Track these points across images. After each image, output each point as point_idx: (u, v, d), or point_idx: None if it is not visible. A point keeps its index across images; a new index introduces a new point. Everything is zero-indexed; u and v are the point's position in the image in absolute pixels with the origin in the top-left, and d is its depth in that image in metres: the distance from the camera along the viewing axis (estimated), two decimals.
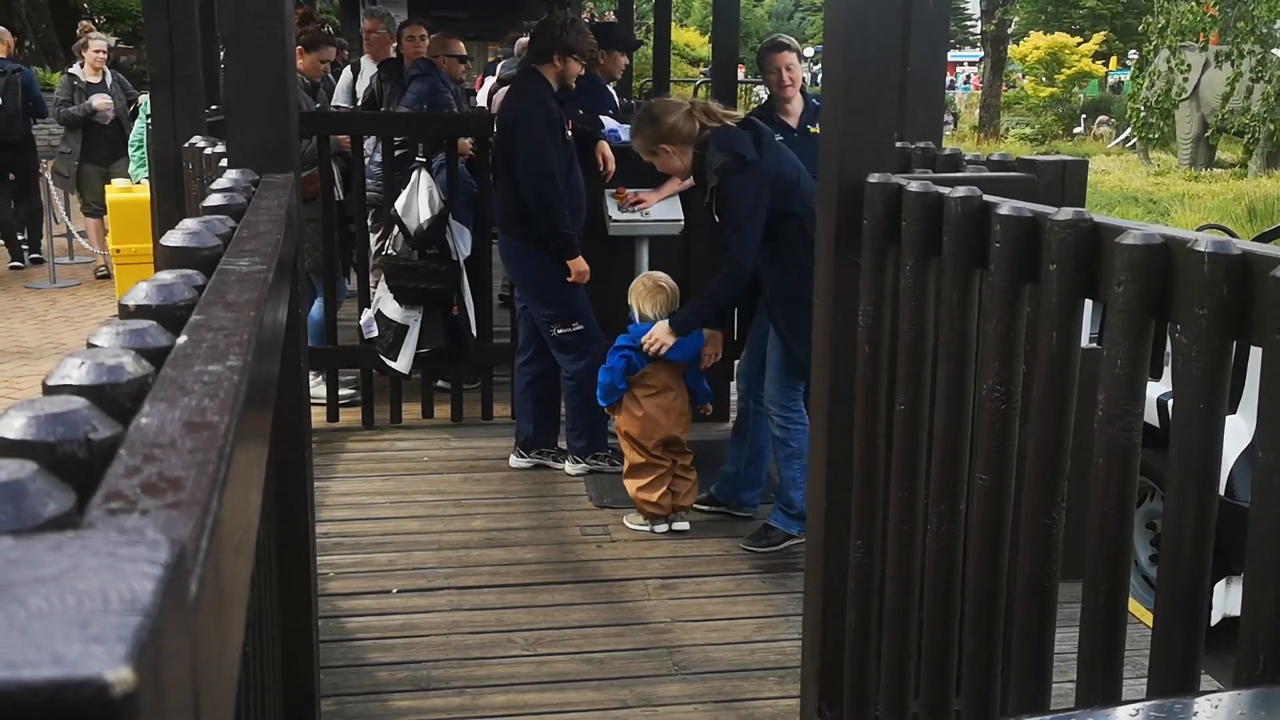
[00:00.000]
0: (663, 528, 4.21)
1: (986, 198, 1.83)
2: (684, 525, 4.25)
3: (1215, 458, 1.35)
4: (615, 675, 3.29)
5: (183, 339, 0.78)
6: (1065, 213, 1.60)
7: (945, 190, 1.92)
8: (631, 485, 4.21)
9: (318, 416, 5.32)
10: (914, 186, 1.99)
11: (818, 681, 2.39)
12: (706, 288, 3.98)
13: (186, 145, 2.92)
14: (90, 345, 0.76)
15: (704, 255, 5.32)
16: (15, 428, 0.53)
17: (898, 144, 3.04)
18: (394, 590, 3.78)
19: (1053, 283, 1.61)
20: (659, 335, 4.05)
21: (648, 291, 4.28)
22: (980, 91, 26.49)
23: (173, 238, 1.13)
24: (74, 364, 0.66)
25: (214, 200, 1.53)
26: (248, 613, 1.49)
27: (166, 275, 0.96)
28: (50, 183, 9.21)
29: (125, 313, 0.89)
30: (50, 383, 0.65)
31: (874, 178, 2.11)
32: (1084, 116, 27.35)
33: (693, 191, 5.01)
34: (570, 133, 4.74)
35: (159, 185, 3.05)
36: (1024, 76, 30.95)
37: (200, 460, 0.54)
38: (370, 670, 3.29)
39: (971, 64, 40.44)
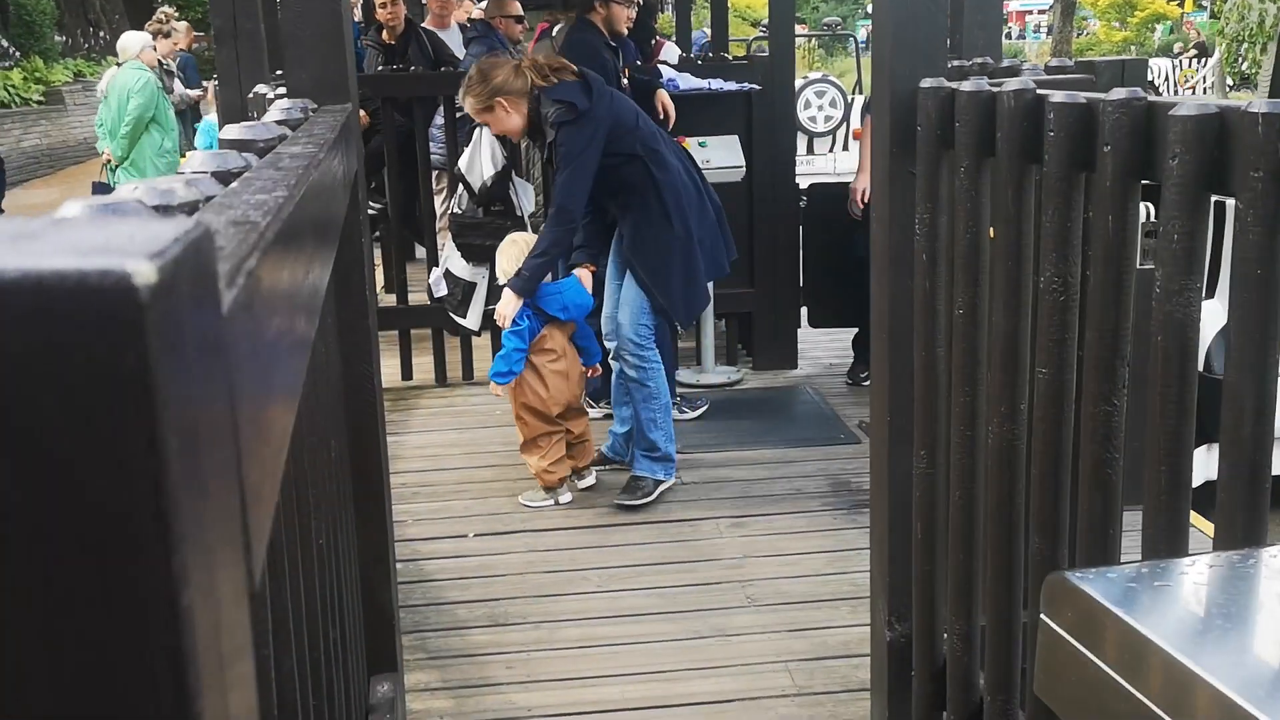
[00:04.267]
0: (566, 497, 4.07)
1: (1040, 90, 1.81)
2: (591, 480, 4.19)
3: (1276, 323, 1.33)
4: (688, 608, 3.33)
5: (234, 184, 0.82)
6: (1118, 93, 1.58)
7: (998, 88, 1.90)
8: (533, 460, 4.01)
9: (391, 375, 5.43)
10: (967, 87, 1.97)
11: (886, 596, 2.40)
12: (537, 240, 3.93)
13: (251, 95, 2.99)
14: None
15: (768, 201, 5.31)
16: (68, 210, 0.56)
17: (954, 62, 3.00)
18: (470, 534, 3.86)
19: (1107, 165, 1.60)
20: (504, 305, 3.88)
21: (503, 251, 4.06)
22: (1050, 40, 25.85)
23: (231, 131, 1.18)
24: (128, 189, 0.70)
25: (272, 117, 1.57)
26: (326, 516, 1.55)
27: (222, 151, 1.00)
28: None
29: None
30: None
31: (926, 83, 2.10)
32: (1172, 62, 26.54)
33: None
34: (627, 82, 4.74)
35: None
36: (1095, 21, 30.12)
37: (240, 237, 0.57)
38: (449, 607, 3.37)
39: (1041, 11, 39.45)
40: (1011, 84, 1.83)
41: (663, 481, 4.08)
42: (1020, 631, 2.01)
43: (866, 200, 4.87)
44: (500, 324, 3.90)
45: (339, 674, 1.57)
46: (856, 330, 5.24)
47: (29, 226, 0.35)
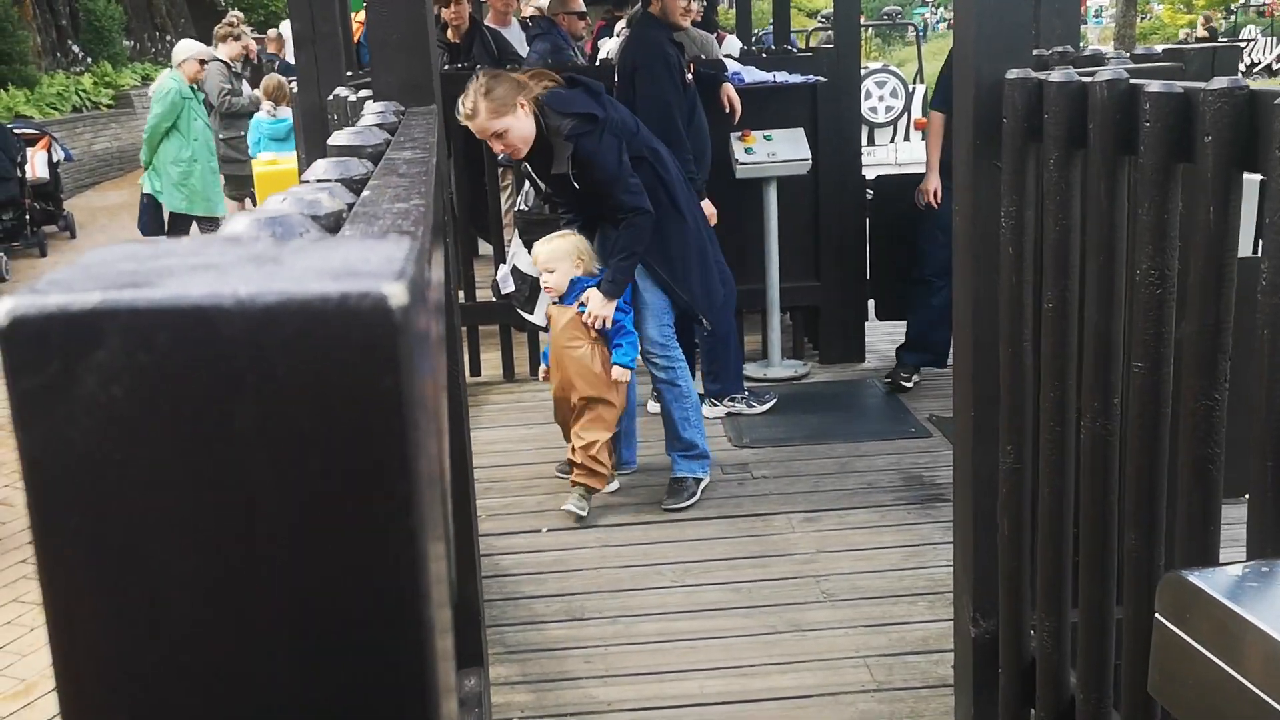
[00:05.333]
0: (614, 485, 4.13)
1: (1133, 80, 1.78)
2: (615, 484, 4.15)
3: None
4: (764, 603, 3.33)
5: (366, 193, 0.83)
6: (1219, 81, 1.55)
7: (1089, 78, 1.87)
8: (606, 451, 3.97)
9: (492, 368, 5.50)
10: (1056, 77, 1.95)
11: (971, 592, 2.38)
12: (618, 243, 3.83)
13: (330, 97, 3.03)
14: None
15: (834, 193, 5.27)
16: (238, 227, 0.58)
17: (1034, 51, 2.96)
18: (544, 529, 3.89)
19: (1208, 156, 1.57)
20: (599, 308, 3.81)
21: (557, 250, 3.91)
22: (1114, 24, 25.36)
23: (339, 137, 1.20)
24: (275, 199, 0.71)
25: (368, 121, 1.59)
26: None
27: (342, 159, 1.02)
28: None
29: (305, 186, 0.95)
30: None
31: (1013, 73, 2.07)
32: (1275, 39, 25.85)
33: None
34: (692, 76, 4.74)
35: (306, 139, 3.18)
36: (1159, 5, 29.47)
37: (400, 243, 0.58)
38: (527, 602, 3.40)
39: None
40: (1104, 74, 1.81)
41: (701, 479, 4.07)
42: (1113, 628, 1.99)
43: (938, 201, 4.83)
44: (596, 325, 3.82)
45: None
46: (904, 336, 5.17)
47: (259, 250, 0.36)
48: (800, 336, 5.71)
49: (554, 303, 3.94)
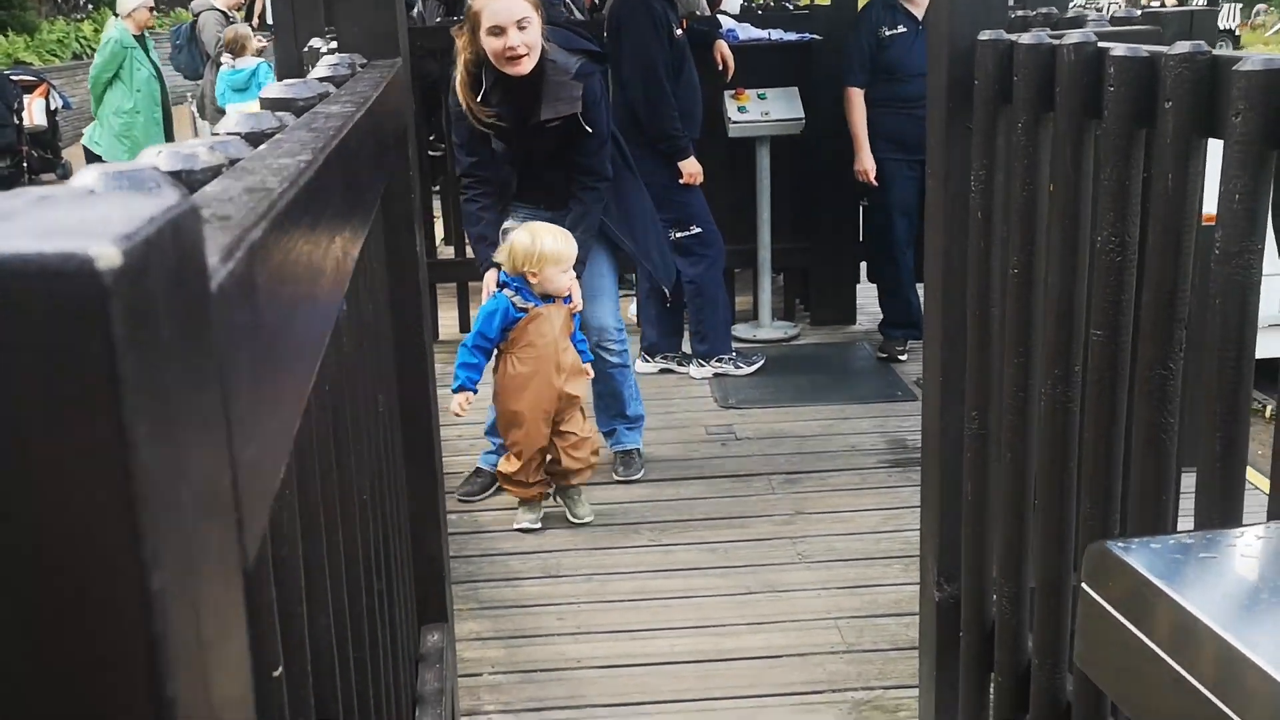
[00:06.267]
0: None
1: (1101, 43, 1.75)
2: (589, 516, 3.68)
3: None
4: (740, 564, 3.34)
5: (262, 148, 0.82)
6: (1181, 46, 1.52)
7: (1057, 41, 1.84)
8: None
9: (449, 327, 5.47)
10: (1026, 39, 1.92)
11: (935, 556, 2.38)
12: (579, 213, 3.51)
13: (306, 49, 3.00)
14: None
15: (828, 154, 5.23)
16: (86, 180, 0.56)
17: (1018, 12, 2.92)
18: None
19: (1168, 121, 1.54)
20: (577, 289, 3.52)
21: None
22: None
23: (272, 90, 1.18)
24: (150, 154, 0.70)
25: (318, 74, 1.57)
26: (370, 470, 1.57)
27: (258, 112, 1.01)
28: (196, 114, 9.55)
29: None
30: None
31: (985, 35, 2.04)
32: (1238, 5, 25.57)
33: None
34: (682, 32, 4.68)
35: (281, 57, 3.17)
36: None
37: (251, 206, 0.57)
38: (503, 559, 3.42)
39: None
40: (1072, 36, 1.78)
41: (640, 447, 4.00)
42: (1070, 596, 1.98)
43: (872, 180, 4.82)
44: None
45: (385, 625, 1.59)
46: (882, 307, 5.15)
47: (11, 204, 0.35)
48: (791, 298, 5.69)
49: (535, 304, 3.41)
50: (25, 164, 10.37)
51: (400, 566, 2.02)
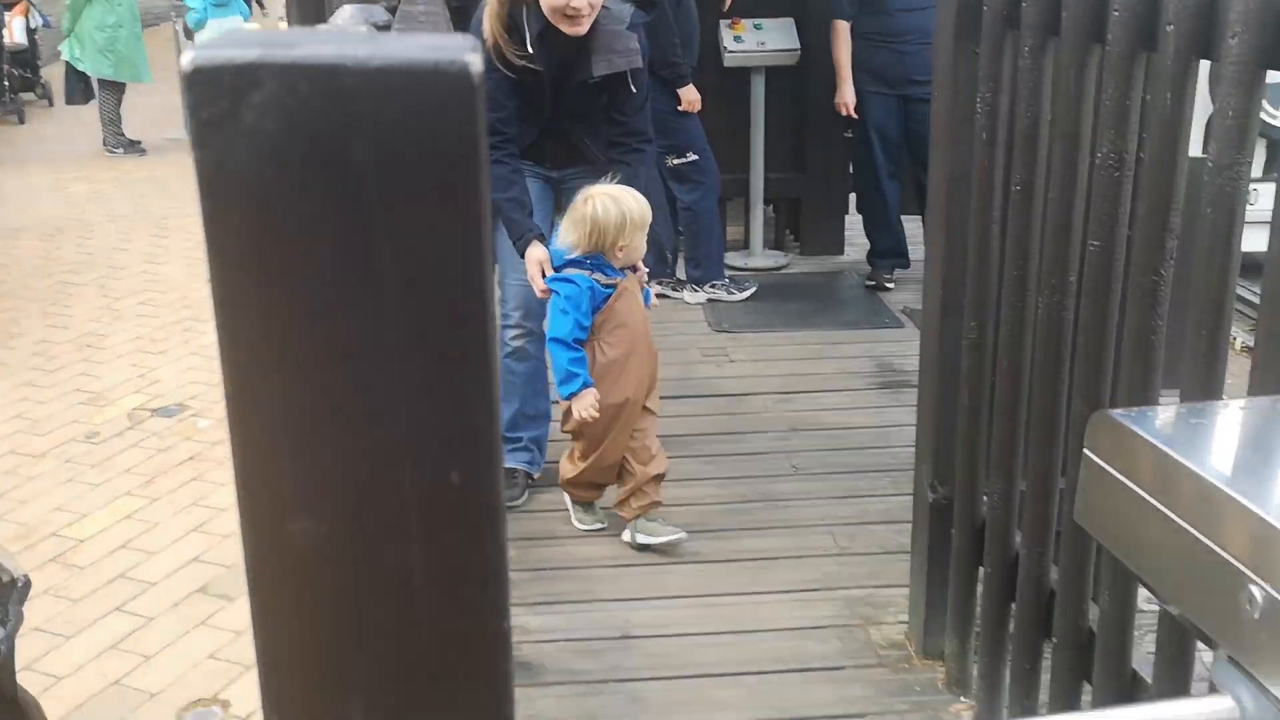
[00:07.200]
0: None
1: None
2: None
3: None
4: (736, 474, 3.49)
5: (403, 9, 0.93)
6: None
7: None
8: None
9: None
10: None
11: (931, 460, 2.54)
12: (628, 177, 3.04)
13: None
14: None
15: (822, 85, 5.31)
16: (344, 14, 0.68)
17: None
18: None
19: (1170, 43, 1.67)
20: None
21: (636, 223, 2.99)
22: None
23: (344, 11, 1.29)
24: (346, 12, 0.82)
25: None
26: None
27: (367, 5, 1.12)
28: (180, 31, 9.48)
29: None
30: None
31: None
32: None
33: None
34: None
35: (300, 10, 3.22)
36: None
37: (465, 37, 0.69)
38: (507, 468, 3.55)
39: None
40: None
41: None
42: (1057, 493, 2.14)
43: (852, 113, 4.93)
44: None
45: None
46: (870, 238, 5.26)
47: (365, 33, 0.47)
48: (783, 228, 5.81)
49: (620, 278, 3.02)
50: (6, 83, 10.28)
51: None
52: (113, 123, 9.16)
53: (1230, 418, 1.24)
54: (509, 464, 3.28)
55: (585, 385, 2.98)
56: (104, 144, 9.23)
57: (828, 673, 2.59)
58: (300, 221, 0.42)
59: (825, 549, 3.08)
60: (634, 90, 3.11)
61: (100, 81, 8.97)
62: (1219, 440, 1.20)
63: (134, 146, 9.26)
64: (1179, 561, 1.11)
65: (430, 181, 0.43)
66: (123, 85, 9.11)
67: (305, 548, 0.46)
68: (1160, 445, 1.13)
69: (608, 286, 2.98)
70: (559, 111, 3.12)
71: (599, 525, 3.20)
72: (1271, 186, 1.42)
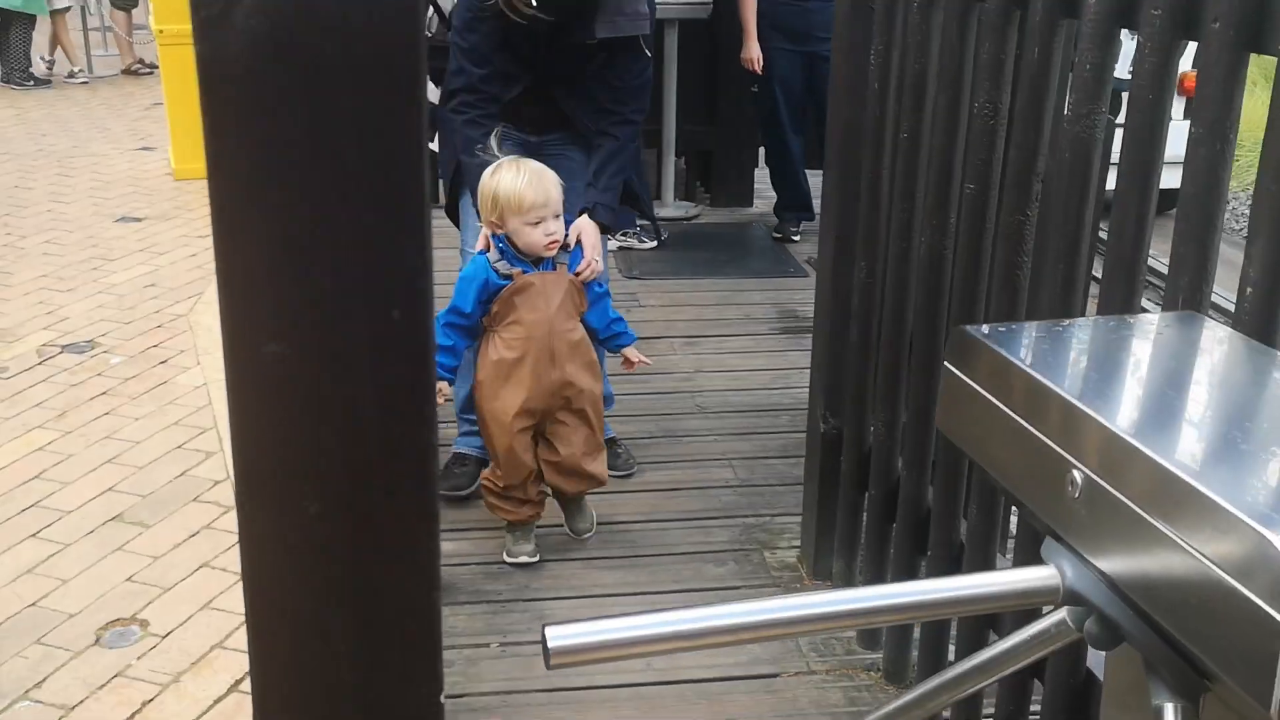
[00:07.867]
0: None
1: None
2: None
3: (1160, 139, 1.61)
4: (642, 412, 3.64)
5: None
6: None
7: None
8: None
9: None
10: None
11: (824, 394, 2.71)
12: (612, 151, 2.91)
13: None
14: None
15: (732, 38, 5.44)
16: None
17: None
18: None
19: (1038, 4, 1.83)
20: (594, 247, 2.82)
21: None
22: None
23: None
24: None
25: None
26: None
27: None
28: None
29: None
30: None
31: None
32: None
33: None
34: None
35: None
36: None
37: None
38: None
39: None
40: None
41: None
42: (934, 422, 2.32)
43: (758, 69, 5.08)
44: (593, 276, 2.83)
45: None
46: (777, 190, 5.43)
47: None
48: (694, 179, 5.94)
49: (522, 270, 2.67)
50: None
51: None
52: (24, 57, 8.97)
53: (1068, 334, 1.41)
54: (459, 449, 3.11)
55: (442, 376, 2.65)
56: (6, 79, 9.02)
57: (724, 592, 2.76)
58: (279, 99, 0.53)
59: (725, 480, 3.25)
60: (647, 54, 2.91)
61: (4, 13, 8.77)
62: (1056, 351, 1.38)
63: (41, 82, 9.07)
64: (1017, 454, 1.28)
65: (380, 71, 0.55)
66: (32, 18, 8.90)
67: (277, 367, 0.57)
68: (1003, 353, 1.30)
69: (504, 277, 2.65)
70: (548, 72, 2.90)
71: (529, 559, 2.80)
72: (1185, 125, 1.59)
